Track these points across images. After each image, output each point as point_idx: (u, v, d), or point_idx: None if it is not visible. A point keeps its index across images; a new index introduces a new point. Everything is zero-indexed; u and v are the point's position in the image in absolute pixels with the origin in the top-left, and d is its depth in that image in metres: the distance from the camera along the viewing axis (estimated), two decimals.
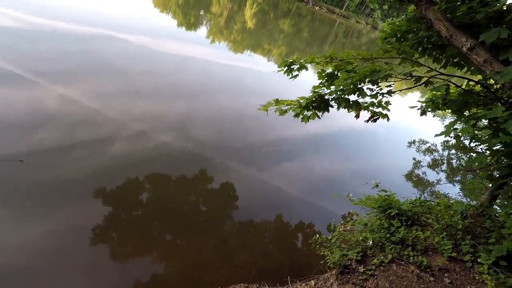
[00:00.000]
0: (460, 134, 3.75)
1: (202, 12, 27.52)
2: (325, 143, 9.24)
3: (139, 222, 4.97)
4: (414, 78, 4.71)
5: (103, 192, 5.26)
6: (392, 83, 4.80)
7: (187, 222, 5.24)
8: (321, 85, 5.04)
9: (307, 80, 5.25)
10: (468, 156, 10.38)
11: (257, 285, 3.40)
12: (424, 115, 6.02)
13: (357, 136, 10.16)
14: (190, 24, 22.49)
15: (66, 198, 4.96)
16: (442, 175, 8.71)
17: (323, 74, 5.11)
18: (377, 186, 4.70)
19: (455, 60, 5.00)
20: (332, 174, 7.66)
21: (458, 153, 10.87)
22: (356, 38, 45.04)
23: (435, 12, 3.95)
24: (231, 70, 14.51)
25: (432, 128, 12.00)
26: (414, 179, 8.20)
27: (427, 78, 4.66)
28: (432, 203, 5.02)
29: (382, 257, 3.54)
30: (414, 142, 10.70)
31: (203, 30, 22.28)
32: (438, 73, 4.59)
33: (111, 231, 4.69)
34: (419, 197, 5.20)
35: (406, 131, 11.85)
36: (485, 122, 4.48)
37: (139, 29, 15.80)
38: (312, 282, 3.43)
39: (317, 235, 4.20)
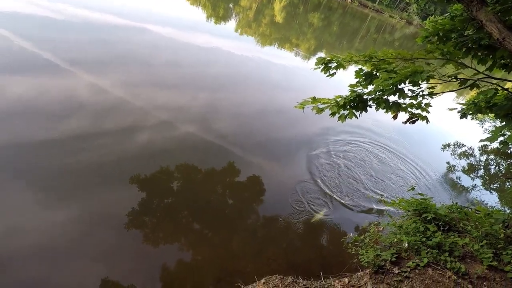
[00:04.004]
0: (507, 141, 3.63)
1: (231, 6, 27.65)
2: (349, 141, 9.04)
3: (169, 210, 5.20)
4: (459, 81, 4.56)
5: (134, 179, 5.53)
6: (435, 84, 4.67)
7: (215, 213, 5.41)
8: (358, 84, 5.00)
9: (335, 77, 5.23)
10: (508, 162, 9.86)
11: (292, 278, 3.52)
12: (464, 118, 5.82)
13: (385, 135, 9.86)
14: (219, 17, 22.71)
15: (96, 184, 5.22)
16: (478, 181, 8.37)
17: (361, 73, 5.05)
18: (413, 189, 4.64)
19: (503, 62, 4.79)
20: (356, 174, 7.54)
21: (497, 159, 10.35)
22: (389, 33, 43.37)
23: (487, 13, 3.79)
24: (257, 63, 14.57)
25: (469, 131, 11.49)
26: (448, 183, 7.94)
27: (474, 81, 4.50)
28: (470, 209, 4.89)
29: (417, 260, 3.53)
30: (449, 145, 10.30)
31: (231, 23, 22.45)
32: (486, 76, 4.42)
33: (141, 216, 4.92)
34: (455, 203, 5.07)
35: (439, 132, 11.41)
36: None
37: (168, 21, 16.19)
38: (346, 280, 3.50)
39: (351, 234, 4.24)
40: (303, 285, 3.41)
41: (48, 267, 3.88)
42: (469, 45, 4.66)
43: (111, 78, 8.50)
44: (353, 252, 4.11)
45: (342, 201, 5.98)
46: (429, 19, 5.62)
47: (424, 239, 3.84)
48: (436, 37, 5.11)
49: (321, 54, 20.87)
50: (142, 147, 6.35)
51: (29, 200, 4.59)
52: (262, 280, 3.49)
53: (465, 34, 4.69)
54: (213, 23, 20.45)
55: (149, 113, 7.48)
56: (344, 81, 6.24)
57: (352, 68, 5.91)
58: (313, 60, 17.59)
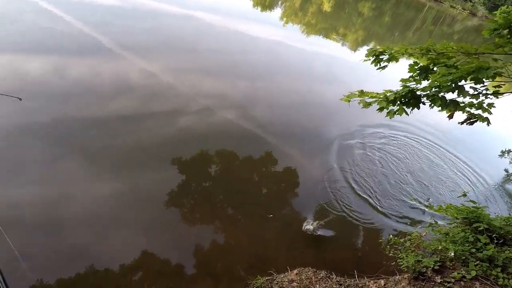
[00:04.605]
0: None
1: None
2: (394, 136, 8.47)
3: (207, 193, 5.38)
4: None
5: (175, 160, 5.79)
6: (502, 83, 4.21)
7: (250, 200, 5.47)
8: (411, 79, 4.68)
9: (383, 72, 4.93)
10: None
11: (325, 272, 3.48)
12: None
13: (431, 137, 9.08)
14: (265, 5, 22.50)
15: (140, 162, 5.56)
16: None
17: (415, 67, 4.71)
18: (465, 195, 4.28)
19: None
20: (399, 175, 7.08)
21: None
22: (448, 25, 39.64)
23: None
24: (300, 53, 14.26)
25: None
26: (505, 193, 7.20)
27: None
28: None
29: (464, 272, 3.28)
30: (509, 151, 9.29)
31: (277, 12, 22.15)
32: None
33: (180, 197, 5.17)
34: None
35: (497, 136, 10.30)
36: None
37: (215, 8, 16.44)
38: (382, 282, 3.38)
39: (390, 235, 4.06)
40: (336, 281, 3.36)
41: (95, 233, 4.25)
42: None
43: (159, 63, 8.92)
44: (390, 254, 3.94)
45: (380, 201, 5.72)
46: (501, 9, 5.03)
47: (473, 250, 3.55)
48: (507, 30, 4.56)
49: (370, 46, 19.82)
50: (183, 131, 6.64)
51: (81, 172, 5.05)
52: (295, 271, 3.50)
53: None
54: (259, 11, 20.34)
55: (192, 98, 7.76)
56: (392, 75, 5.87)
57: (403, 62, 5.52)
58: (360, 51, 16.79)
